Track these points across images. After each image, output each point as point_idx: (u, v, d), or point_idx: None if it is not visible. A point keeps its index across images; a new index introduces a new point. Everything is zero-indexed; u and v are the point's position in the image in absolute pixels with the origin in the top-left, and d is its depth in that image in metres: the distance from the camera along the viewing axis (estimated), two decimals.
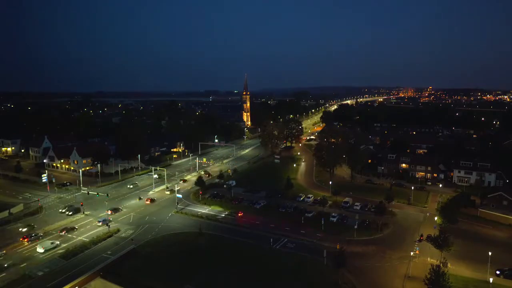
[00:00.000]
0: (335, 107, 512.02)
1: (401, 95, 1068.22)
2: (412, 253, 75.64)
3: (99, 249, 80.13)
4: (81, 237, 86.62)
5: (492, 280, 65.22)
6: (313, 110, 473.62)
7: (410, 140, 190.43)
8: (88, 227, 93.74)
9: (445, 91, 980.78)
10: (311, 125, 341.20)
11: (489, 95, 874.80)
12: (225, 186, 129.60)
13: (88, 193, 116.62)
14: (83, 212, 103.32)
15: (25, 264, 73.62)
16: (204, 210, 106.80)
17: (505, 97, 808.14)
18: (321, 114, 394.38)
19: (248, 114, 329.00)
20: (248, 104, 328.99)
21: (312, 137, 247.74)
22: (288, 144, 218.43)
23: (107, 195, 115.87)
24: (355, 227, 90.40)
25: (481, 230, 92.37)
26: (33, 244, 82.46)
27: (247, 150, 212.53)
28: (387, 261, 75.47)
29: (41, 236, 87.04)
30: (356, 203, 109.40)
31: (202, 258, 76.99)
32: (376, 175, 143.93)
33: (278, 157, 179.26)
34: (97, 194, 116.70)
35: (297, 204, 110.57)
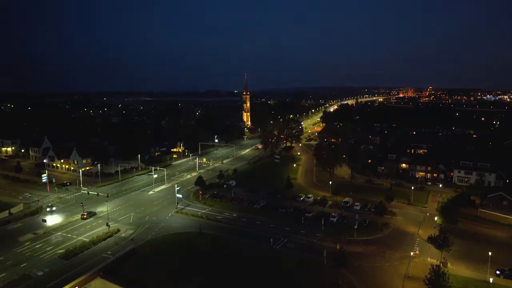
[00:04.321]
0: (335, 107, 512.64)
1: (401, 95, 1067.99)
2: (412, 253, 75.62)
3: (99, 249, 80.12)
4: (81, 237, 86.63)
5: (492, 280, 65.21)
6: (313, 110, 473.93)
7: (410, 140, 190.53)
8: (88, 227, 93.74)
9: (445, 91, 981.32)
10: (311, 125, 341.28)
11: (489, 95, 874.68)
12: (225, 186, 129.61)
13: (88, 193, 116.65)
14: (83, 212, 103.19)
15: (25, 264, 73.65)
16: (204, 210, 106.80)
17: (505, 97, 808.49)
18: (321, 114, 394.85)
19: (248, 114, 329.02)
20: (248, 104, 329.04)
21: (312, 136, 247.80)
22: (288, 144, 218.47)
23: (107, 195, 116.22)
24: (355, 227, 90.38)
25: (481, 230, 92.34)
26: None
27: (247, 150, 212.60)
28: (387, 261, 75.45)
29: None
30: (356, 203, 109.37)
31: (202, 258, 76.96)
32: (376, 175, 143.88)
33: (278, 157, 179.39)
34: (97, 194, 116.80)
35: (297, 204, 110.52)
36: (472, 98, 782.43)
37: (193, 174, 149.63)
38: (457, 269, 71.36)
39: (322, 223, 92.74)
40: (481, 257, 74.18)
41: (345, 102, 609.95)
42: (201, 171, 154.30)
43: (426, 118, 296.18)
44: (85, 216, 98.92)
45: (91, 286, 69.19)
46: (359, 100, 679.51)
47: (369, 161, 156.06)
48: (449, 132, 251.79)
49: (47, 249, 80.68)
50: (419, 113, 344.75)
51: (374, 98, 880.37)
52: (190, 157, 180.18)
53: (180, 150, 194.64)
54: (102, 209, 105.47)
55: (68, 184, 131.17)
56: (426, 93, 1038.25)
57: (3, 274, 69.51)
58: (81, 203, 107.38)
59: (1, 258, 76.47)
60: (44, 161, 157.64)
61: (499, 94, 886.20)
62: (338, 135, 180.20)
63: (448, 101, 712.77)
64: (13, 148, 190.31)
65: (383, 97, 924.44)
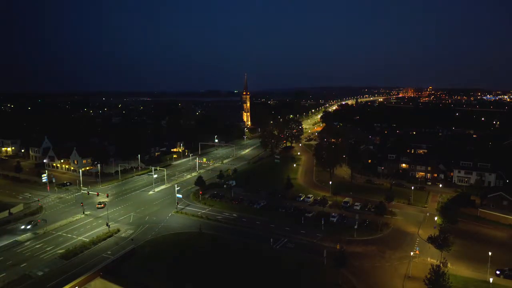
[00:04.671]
0: (335, 107, 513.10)
1: (401, 95, 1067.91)
2: (412, 253, 75.64)
3: (99, 249, 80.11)
4: (81, 237, 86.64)
5: (492, 280, 65.21)
6: (313, 110, 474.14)
7: (410, 140, 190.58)
8: (88, 227, 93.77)
9: (445, 91, 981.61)
10: (311, 125, 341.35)
11: (489, 95, 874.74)
12: (225, 186, 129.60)
13: (88, 193, 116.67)
14: (83, 212, 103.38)
15: (25, 264, 73.66)
16: (204, 210, 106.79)
17: (505, 97, 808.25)
18: (321, 114, 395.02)
19: (248, 114, 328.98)
20: (248, 104, 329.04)
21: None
22: (288, 144, 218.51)
23: (107, 195, 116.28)
24: (355, 227, 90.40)
25: (481, 230, 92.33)
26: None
27: (247, 150, 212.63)
28: (387, 261, 75.44)
29: None
30: (356, 203, 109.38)
31: (202, 258, 76.99)
32: (376, 175, 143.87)
33: (278, 157, 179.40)
34: (97, 194, 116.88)
35: (297, 204, 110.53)
36: (472, 98, 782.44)
37: (193, 174, 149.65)
38: (457, 269, 71.35)
39: (322, 223, 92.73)
40: (481, 257, 74.16)
41: (345, 102, 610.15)
42: (201, 171, 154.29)
43: (426, 118, 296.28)
44: (102, 206, 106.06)
45: (91, 286, 69.20)
46: (359, 100, 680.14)
47: (369, 161, 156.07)
48: (449, 132, 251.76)
49: (47, 249, 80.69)
50: (419, 113, 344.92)
51: (374, 98, 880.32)
52: (190, 157, 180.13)
53: (180, 150, 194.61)
54: (102, 209, 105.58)
55: (68, 184, 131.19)
56: (426, 93, 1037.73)
57: (3, 274, 69.50)
58: (81, 203, 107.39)
59: (1, 258, 76.49)
60: (44, 161, 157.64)
61: (499, 94, 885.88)
62: (338, 135, 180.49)
63: (448, 101, 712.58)
64: (13, 148, 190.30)
65: (383, 97, 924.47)
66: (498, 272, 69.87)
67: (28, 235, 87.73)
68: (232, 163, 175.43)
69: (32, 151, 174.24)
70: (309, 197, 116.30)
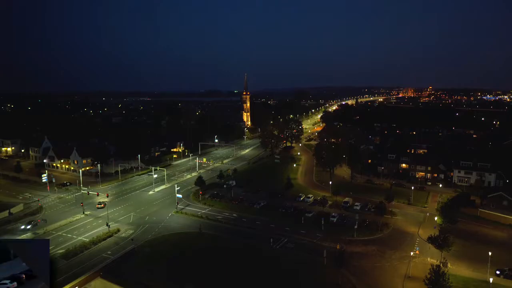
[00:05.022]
0: (335, 107, 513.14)
1: (401, 95, 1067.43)
2: (412, 253, 75.69)
3: (99, 249, 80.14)
4: (81, 237, 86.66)
5: (492, 280, 65.16)
6: (313, 110, 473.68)
7: (410, 140, 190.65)
8: (88, 227, 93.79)
9: (445, 91, 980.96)
10: (311, 125, 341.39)
11: (489, 95, 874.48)
12: (225, 186, 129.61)
13: (88, 193, 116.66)
14: (83, 212, 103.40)
15: None
16: (204, 210, 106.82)
17: (505, 97, 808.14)
18: (321, 114, 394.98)
19: (248, 114, 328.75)
20: (248, 104, 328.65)
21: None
22: (288, 144, 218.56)
23: (107, 195, 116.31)
24: (355, 227, 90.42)
25: (481, 230, 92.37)
26: None
27: (247, 150, 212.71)
28: (387, 261, 75.47)
29: None
30: (356, 203, 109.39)
31: (202, 258, 77.02)
32: (376, 175, 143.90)
33: (278, 157, 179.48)
34: (97, 194, 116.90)
35: (297, 204, 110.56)
36: (472, 98, 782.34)
37: (193, 174, 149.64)
38: (457, 269, 71.39)
39: (322, 223, 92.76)
40: (481, 257, 74.13)
41: (345, 102, 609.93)
42: (201, 171, 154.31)
43: (426, 118, 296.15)
44: (102, 206, 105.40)
45: (91, 286, 69.15)
46: (359, 100, 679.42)
47: (369, 161, 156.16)
48: (449, 132, 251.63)
49: None
50: (419, 113, 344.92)
51: (374, 98, 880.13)
52: (190, 157, 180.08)
53: (180, 150, 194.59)
54: (102, 209, 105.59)
55: (68, 184, 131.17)
56: (426, 93, 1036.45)
57: None
58: (81, 203, 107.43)
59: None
60: (44, 161, 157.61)
61: (499, 94, 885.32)
62: (338, 135, 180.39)
63: (448, 101, 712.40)
64: (13, 148, 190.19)
65: (383, 97, 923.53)
66: (498, 272, 69.89)
67: (28, 235, 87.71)
68: (232, 163, 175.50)
69: (32, 151, 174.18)
70: (309, 197, 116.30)
